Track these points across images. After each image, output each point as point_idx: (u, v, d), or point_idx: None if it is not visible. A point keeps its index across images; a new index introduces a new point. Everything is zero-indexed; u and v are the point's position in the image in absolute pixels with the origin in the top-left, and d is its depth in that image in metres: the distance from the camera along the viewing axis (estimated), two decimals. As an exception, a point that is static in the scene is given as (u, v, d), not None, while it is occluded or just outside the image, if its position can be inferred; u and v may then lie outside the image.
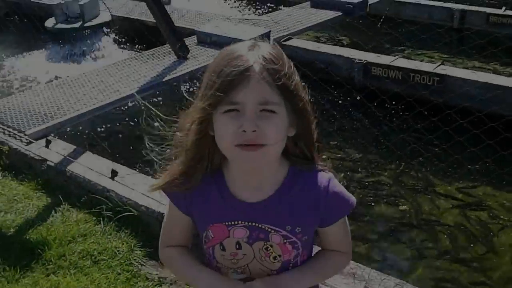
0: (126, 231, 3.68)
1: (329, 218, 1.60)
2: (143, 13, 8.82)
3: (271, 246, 1.57)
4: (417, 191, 4.94)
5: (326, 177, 1.59)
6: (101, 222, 3.77)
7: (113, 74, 6.30)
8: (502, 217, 4.56)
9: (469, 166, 5.08)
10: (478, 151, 4.83)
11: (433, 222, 4.55)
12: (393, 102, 5.90)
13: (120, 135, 5.90)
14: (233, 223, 1.56)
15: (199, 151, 1.52)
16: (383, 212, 4.67)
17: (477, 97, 5.83)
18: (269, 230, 1.55)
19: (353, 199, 1.62)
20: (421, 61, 7.38)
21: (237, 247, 1.59)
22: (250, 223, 1.55)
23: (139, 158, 5.25)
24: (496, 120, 5.05)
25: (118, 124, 6.07)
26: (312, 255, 1.70)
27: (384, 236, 4.42)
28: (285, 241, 1.56)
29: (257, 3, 11.67)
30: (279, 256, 1.59)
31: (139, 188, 3.93)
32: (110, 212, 3.81)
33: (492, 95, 5.67)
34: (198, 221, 1.63)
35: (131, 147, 5.47)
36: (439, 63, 6.73)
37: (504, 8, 9.17)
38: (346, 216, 1.66)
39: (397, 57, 7.03)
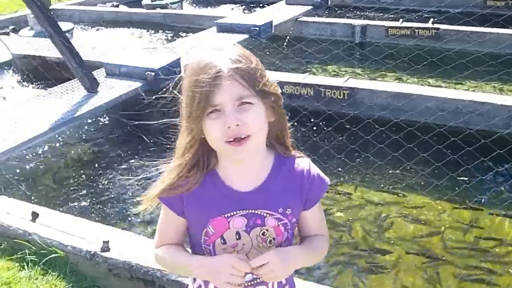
0: (54, 273, 3.52)
1: (312, 197, 1.79)
2: (45, 50, 8.56)
3: (267, 230, 1.73)
4: (347, 202, 5.05)
5: (307, 162, 1.81)
6: (26, 267, 3.58)
7: (23, 113, 6.04)
8: (424, 217, 4.74)
9: (390, 171, 5.27)
10: (398, 155, 5.05)
11: (362, 229, 4.65)
12: (312, 120, 5.99)
13: (37, 176, 5.66)
14: (232, 213, 1.70)
15: (195, 154, 1.68)
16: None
17: (387, 106, 6.06)
18: (265, 214, 1.71)
19: (328, 178, 1.84)
20: (328, 76, 7.61)
21: (237, 237, 1.72)
22: (247, 211, 1.71)
23: (60, 197, 5.16)
24: (409, 127, 5.26)
25: (33, 164, 5.83)
26: (300, 241, 1.88)
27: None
28: (278, 223, 1.73)
29: (164, 32, 11.65)
30: (273, 239, 1.75)
31: (63, 228, 3.77)
32: (34, 256, 3.62)
33: (402, 104, 5.93)
34: (197, 221, 1.74)
35: (51, 187, 5.27)
36: (348, 77, 6.96)
37: (401, 20, 9.64)
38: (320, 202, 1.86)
39: (307, 74, 7.19)
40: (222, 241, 1.72)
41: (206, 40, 8.22)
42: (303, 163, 1.79)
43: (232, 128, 1.55)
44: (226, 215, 1.70)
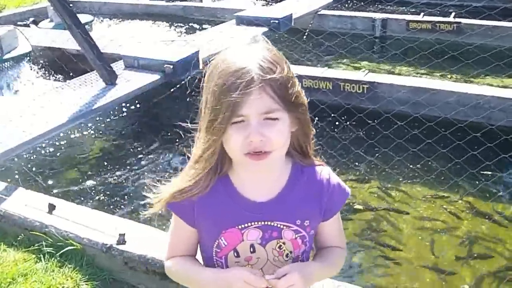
0: (70, 266, 3.52)
1: (332, 208, 1.69)
2: (64, 42, 8.59)
3: (284, 243, 1.62)
4: (365, 198, 5.01)
5: (326, 171, 1.70)
6: (42, 259, 3.58)
7: (41, 105, 6.06)
8: (442, 217, 4.67)
9: (410, 166, 5.20)
10: (418, 151, 4.98)
11: (382, 224, 4.60)
12: (333, 114, 5.92)
13: (54, 168, 5.68)
14: (246, 225, 1.60)
15: (211, 158, 1.56)
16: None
17: (407, 101, 5.99)
18: (281, 226, 1.61)
19: (348, 188, 1.73)
20: (348, 70, 7.54)
21: (252, 250, 1.62)
22: (262, 223, 1.60)
23: (77, 190, 5.17)
24: (429, 122, 5.19)
25: (51, 156, 5.86)
26: (317, 253, 1.78)
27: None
28: (296, 236, 1.63)
29: (183, 24, 11.64)
30: (290, 252, 1.64)
31: (79, 221, 3.77)
32: (51, 248, 3.63)
33: (422, 99, 5.85)
34: (208, 231, 1.64)
35: (67, 180, 5.29)
36: (367, 71, 6.89)
37: (422, 14, 9.52)
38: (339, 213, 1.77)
39: (325, 68, 7.13)
40: (235, 254, 1.62)
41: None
42: (323, 172, 1.69)
43: (255, 142, 1.46)
44: (240, 227, 1.60)
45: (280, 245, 1.62)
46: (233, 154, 1.53)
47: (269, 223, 1.60)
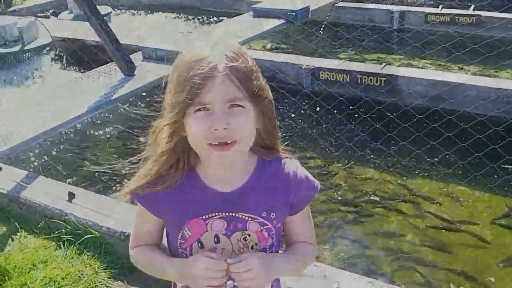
0: (89, 253, 3.55)
1: (299, 201, 1.67)
2: (84, 33, 8.65)
3: (249, 235, 1.61)
4: (383, 191, 4.99)
5: (294, 164, 1.67)
6: (62, 246, 3.63)
7: (61, 95, 6.12)
8: (461, 211, 4.65)
9: (428, 159, 5.18)
10: (437, 144, 4.94)
11: (399, 218, 4.59)
12: (351, 106, 5.90)
13: (73, 157, 5.73)
14: (210, 215, 1.58)
15: (174, 152, 1.56)
16: (348, 212, 4.70)
17: (425, 94, 5.95)
18: (246, 218, 1.59)
19: (317, 182, 1.70)
20: (365, 62, 7.52)
21: (216, 241, 1.60)
22: (227, 214, 1.59)
23: (96, 179, 5.21)
24: (448, 115, 5.15)
25: (70, 145, 5.91)
26: (286, 248, 1.75)
27: (349, 236, 4.44)
28: (262, 228, 1.61)
29: (201, 17, 11.66)
30: (256, 244, 1.63)
31: (98, 209, 3.81)
32: (70, 236, 3.67)
33: (441, 92, 5.81)
34: (173, 222, 1.64)
35: (86, 168, 5.33)
36: (385, 64, 6.85)
37: (441, 6, 9.43)
38: (309, 208, 1.74)
39: (343, 60, 7.10)
40: (200, 245, 1.61)
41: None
42: (290, 165, 1.66)
43: (219, 131, 1.43)
44: (204, 217, 1.58)
45: (245, 237, 1.61)
46: (195, 144, 1.50)
47: (234, 214, 1.59)
